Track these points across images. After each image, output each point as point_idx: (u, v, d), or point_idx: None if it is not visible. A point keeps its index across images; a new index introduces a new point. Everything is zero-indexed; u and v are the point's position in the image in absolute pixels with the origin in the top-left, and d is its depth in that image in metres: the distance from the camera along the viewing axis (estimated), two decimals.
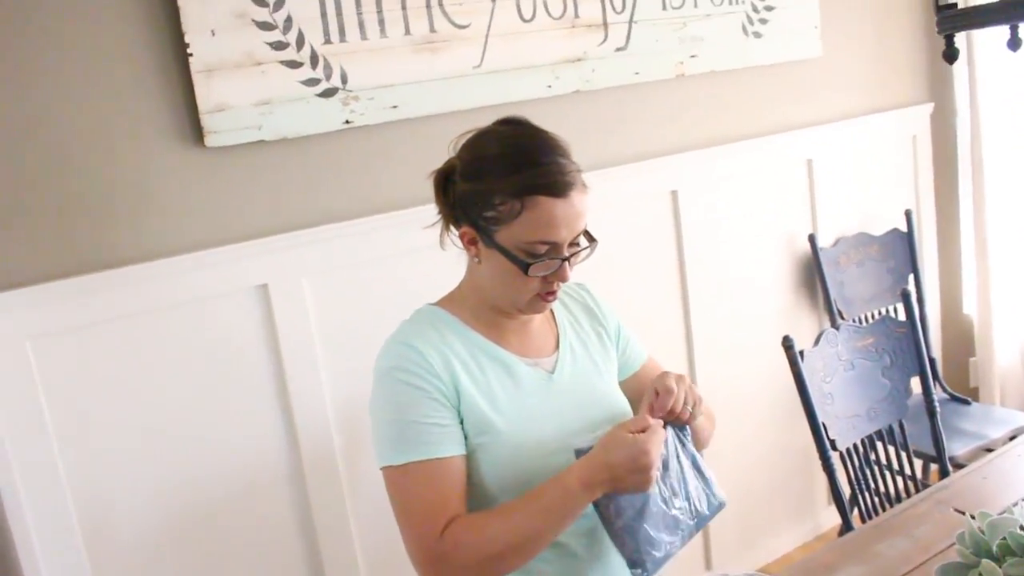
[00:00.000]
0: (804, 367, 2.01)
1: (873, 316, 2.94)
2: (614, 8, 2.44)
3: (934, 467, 2.88)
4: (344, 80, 2.09)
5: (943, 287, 3.41)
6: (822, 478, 2.98)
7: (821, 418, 2.02)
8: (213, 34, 1.92)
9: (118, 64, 1.88)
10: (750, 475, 2.90)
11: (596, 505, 1.34)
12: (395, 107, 2.16)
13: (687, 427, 1.46)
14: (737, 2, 2.66)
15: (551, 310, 1.58)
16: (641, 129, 2.57)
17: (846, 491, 2.10)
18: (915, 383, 2.23)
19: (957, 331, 3.45)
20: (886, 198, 3.16)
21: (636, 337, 1.66)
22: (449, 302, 1.51)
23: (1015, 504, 1.34)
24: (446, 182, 1.45)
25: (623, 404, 1.55)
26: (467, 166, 1.41)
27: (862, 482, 2.13)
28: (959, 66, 3.14)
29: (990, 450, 2.53)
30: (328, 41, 2.06)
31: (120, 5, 1.87)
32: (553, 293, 1.42)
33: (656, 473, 1.31)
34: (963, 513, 1.58)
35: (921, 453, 2.58)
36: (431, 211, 1.51)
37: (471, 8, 2.22)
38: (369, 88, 2.13)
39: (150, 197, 1.94)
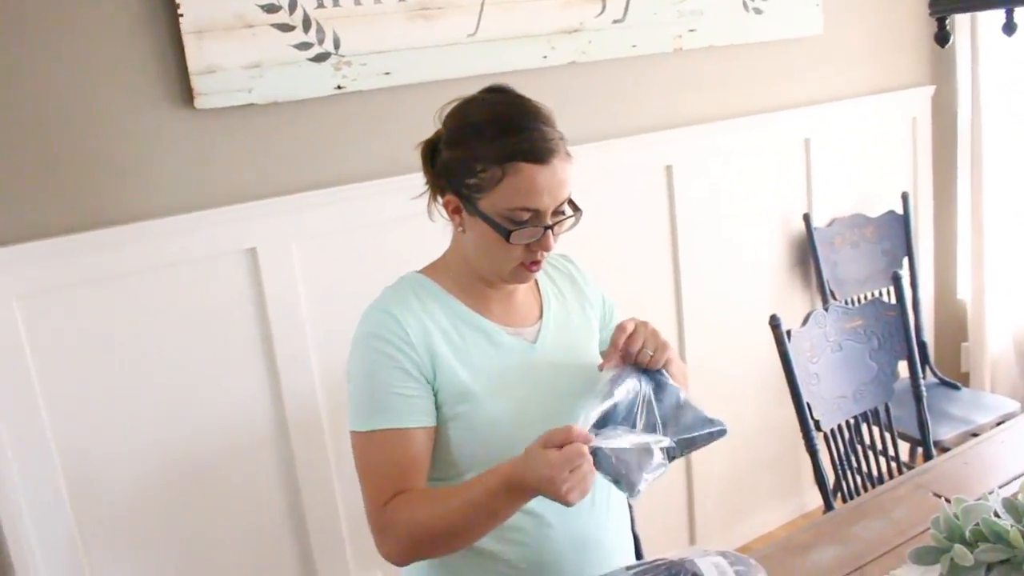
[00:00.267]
0: (791, 347, 2.01)
1: (866, 298, 2.94)
2: None
3: (921, 450, 2.88)
4: (337, 45, 2.07)
5: (937, 271, 3.41)
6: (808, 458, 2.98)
7: (806, 398, 2.02)
8: None
9: (108, 22, 1.86)
10: (736, 452, 2.91)
11: None
12: (388, 73, 2.14)
13: (662, 370, 1.43)
14: None
15: (535, 280, 1.57)
16: (637, 103, 2.55)
17: (829, 471, 2.10)
18: (904, 367, 2.23)
19: (950, 315, 3.45)
20: (883, 180, 3.15)
21: (618, 308, 1.66)
22: (433, 270, 1.50)
23: (991, 492, 1.34)
24: (433, 152, 1.45)
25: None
26: (451, 134, 1.41)
27: (845, 463, 2.13)
28: (962, 49, 3.11)
29: (977, 435, 2.53)
30: (321, 5, 2.04)
31: None
32: (537, 263, 1.41)
33: (573, 495, 1.20)
34: (940, 497, 1.59)
35: (907, 436, 2.59)
36: (422, 179, 1.50)
37: None
38: (362, 54, 2.11)
39: (140, 158, 1.93)
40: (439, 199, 1.46)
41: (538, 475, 1.21)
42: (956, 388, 2.91)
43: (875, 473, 2.21)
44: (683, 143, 2.63)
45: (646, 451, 1.27)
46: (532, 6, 2.30)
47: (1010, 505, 1.26)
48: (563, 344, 1.52)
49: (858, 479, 2.17)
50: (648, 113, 2.57)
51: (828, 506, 2.06)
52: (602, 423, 1.30)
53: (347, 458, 2.19)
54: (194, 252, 2.01)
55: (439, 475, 1.43)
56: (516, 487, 1.25)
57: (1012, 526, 1.21)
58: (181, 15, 1.89)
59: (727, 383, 2.83)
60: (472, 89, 1.47)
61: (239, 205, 2.04)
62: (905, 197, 3.05)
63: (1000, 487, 1.65)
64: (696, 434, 1.39)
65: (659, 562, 1.21)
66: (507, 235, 1.35)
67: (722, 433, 1.43)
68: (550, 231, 1.37)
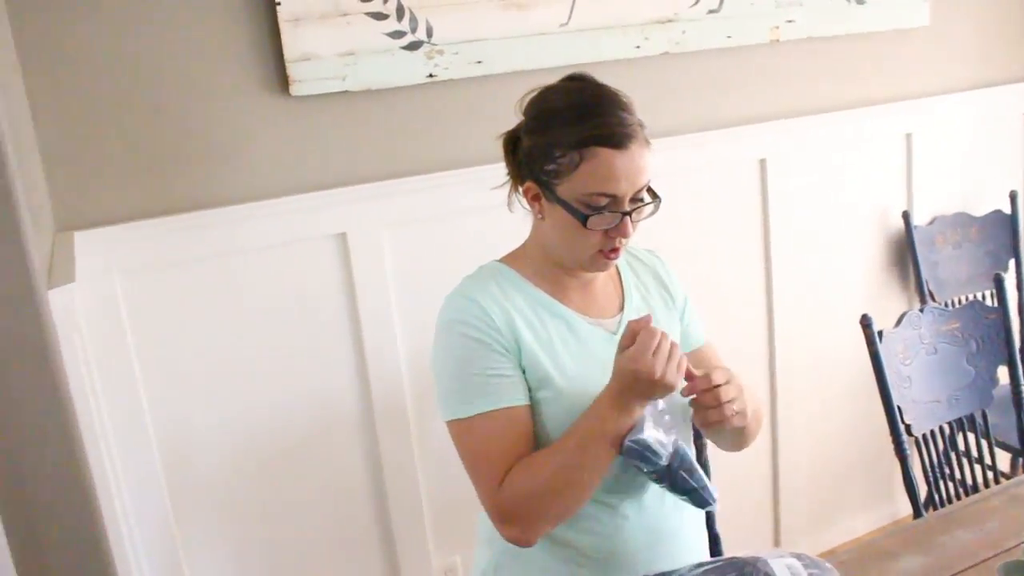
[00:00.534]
0: (882, 348, 1.95)
1: (967, 300, 2.83)
2: None
3: (1023, 461, 2.76)
4: (429, 33, 2.09)
5: None
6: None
7: (897, 401, 1.95)
8: None
9: (210, 12, 1.91)
10: (826, 453, 2.84)
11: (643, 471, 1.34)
12: (479, 62, 2.15)
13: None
14: None
15: (617, 272, 1.56)
16: (731, 95, 2.51)
17: (920, 478, 2.04)
18: (1004, 372, 2.14)
19: None
20: (990, 178, 3.01)
21: (699, 319, 1.63)
22: (513, 259, 1.51)
23: None
24: (514, 144, 1.45)
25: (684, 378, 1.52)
26: (530, 121, 1.42)
27: (937, 470, 2.06)
28: None
29: None
30: None
31: None
32: (615, 251, 1.40)
33: (669, 375, 1.27)
34: None
35: (1006, 445, 2.48)
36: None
37: None
38: (454, 42, 2.12)
39: (236, 143, 1.98)
40: (519, 190, 1.47)
41: (624, 376, 1.27)
42: None
43: (969, 482, 2.13)
44: (778, 136, 2.57)
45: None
46: None
47: None
48: None
49: (951, 487, 2.09)
50: (742, 106, 2.52)
51: (917, 513, 1.99)
52: None
53: (430, 443, 2.25)
54: (286, 236, 2.05)
55: None
56: (610, 403, 1.29)
57: None
58: (279, 4, 1.93)
59: (817, 382, 2.77)
60: None
61: (331, 191, 2.08)
62: (1014, 196, 2.92)
63: None
64: (696, 478, 1.34)
65: (731, 560, 1.19)
66: (584, 220, 1.34)
67: (706, 502, 1.36)
68: (628, 218, 1.36)
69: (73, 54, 1.82)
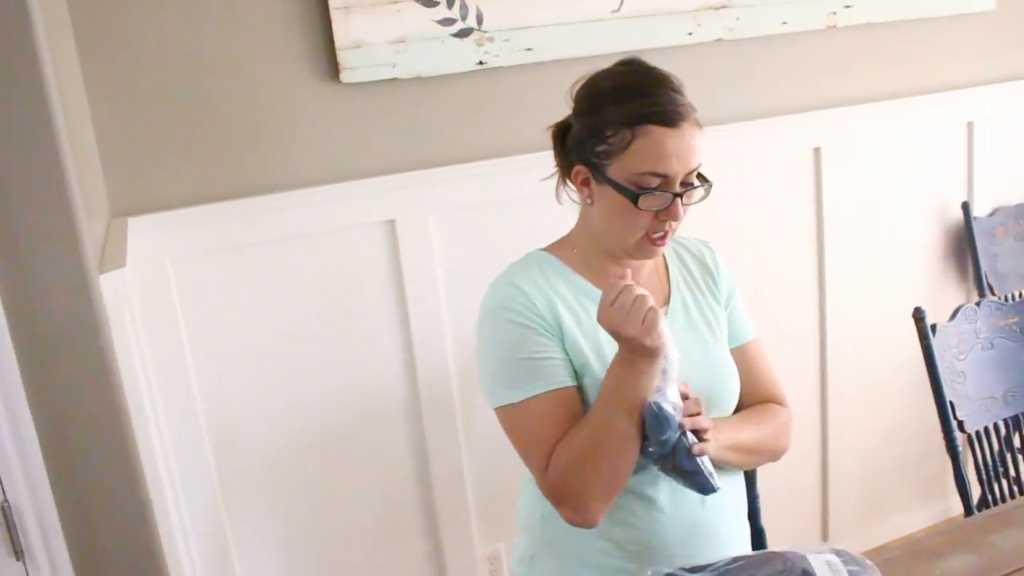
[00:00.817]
0: (935, 342, 1.90)
1: None
2: None
3: None
4: (480, 20, 2.09)
5: None
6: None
7: (949, 396, 1.91)
8: None
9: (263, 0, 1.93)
10: (876, 449, 2.80)
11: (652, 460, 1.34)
12: (530, 50, 2.15)
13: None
14: None
15: (664, 264, 1.55)
16: (786, 82, 2.46)
17: (973, 476, 1.99)
18: None
19: None
20: None
21: (747, 313, 1.60)
22: (558, 247, 1.51)
23: None
24: (563, 135, 1.45)
25: (731, 367, 1.51)
26: (580, 104, 1.42)
27: (990, 468, 2.01)
28: None
29: None
30: None
31: None
32: (664, 236, 1.39)
33: (619, 319, 1.27)
34: None
35: None
36: None
37: None
38: (504, 30, 2.12)
39: (287, 130, 2.01)
40: (567, 182, 1.46)
41: (617, 340, 1.29)
42: None
43: None
44: (833, 125, 2.52)
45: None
46: None
47: None
48: (693, 329, 1.49)
49: (1005, 486, 2.04)
50: (797, 93, 2.48)
51: (969, 512, 1.95)
52: None
53: (475, 430, 2.26)
54: (336, 222, 2.07)
55: None
56: (618, 362, 1.31)
57: None
58: None
59: (871, 375, 2.72)
60: None
61: (380, 177, 2.09)
62: None
63: None
64: (696, 460, 1.33)
65: (769, 554, 1.18)
66: (635, 199, 1.33)
67: (707, 487, 1.34)
68: (678, 200, 1.35)
69: (129, 43, 1.86)
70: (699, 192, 1.38)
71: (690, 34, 2.29)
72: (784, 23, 2.38)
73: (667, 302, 1.51)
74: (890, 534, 2.84)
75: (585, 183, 1.41)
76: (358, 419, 2.18)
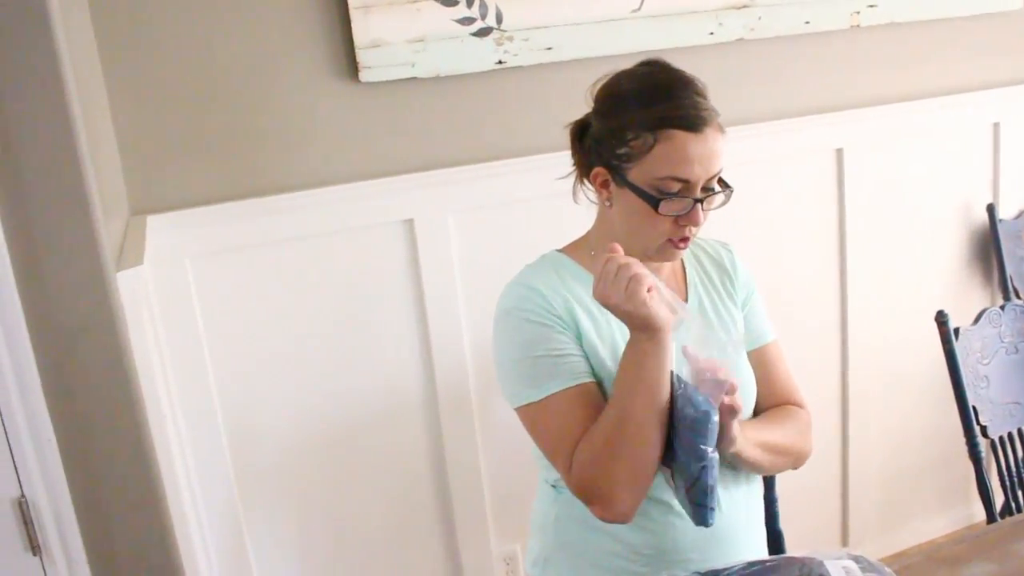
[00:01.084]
0: (958, 346, 1.88)
1: None
2: None
3: None
4: (499, 20, 2.08)
5: None
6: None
7: (972, 401, 1.89)
8: None
9: None
10: (898, 453, 2.77)
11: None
12: (549, 49, 2.14)
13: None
14: None
15: (682, 266, 1.54)
16: (808, 82, 2.44)
17: (995, 481, 1.97)
18: None
19: None
20: None
21: (766, 315, 1.59)
22: (573, 249, 1.50)
23: None
24: (582, 134, 1.44)
25: (747, 370, 1.49)
26: (601, 104, 1.40)
27: (1015, 474, 1.99)
28: None
29: None
30: None
31: None
32: (685, 240, 1.37)
33: (602, 289, 1.26)
34: None
35: None
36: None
37: None
38: (524, 29, 2.11)
39: (306, 129, 2.01)
40: (585, 182, 1.45)
41: (614, 315, 1.27)
42: None
43: None
44: (856, 125, 2.50)
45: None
46: None
47: None
48: (705, 334, 1.48)
49: None
50: (819, 93, 2.46)
51: (991, 518, 1.93)
52: None
53: (493, 430, 2.25)
54: (354, 221, 2.08)
55: None
56: (629, 341, 1.30)
57: None
58: None
59: (892, 379, 2.69)
60: None
61: (399, 177, 2.09)
62: None
63: None
64: (712, 496, 1.29)
65: (785, 559, 1.17)
66: (656, 205, 1.32)
67: (706, 522, 1.30)
68: (699, 205, 1.33)
69: (149, 43, 1.86)
70: (720, 197, 1.37)
71: (711, 33, 2.27)
72: (807, 23, 2.36)
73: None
74: (911, 540, 2.81)
75: (604, 185, 1.40)
76: (375, 418, 2.18)
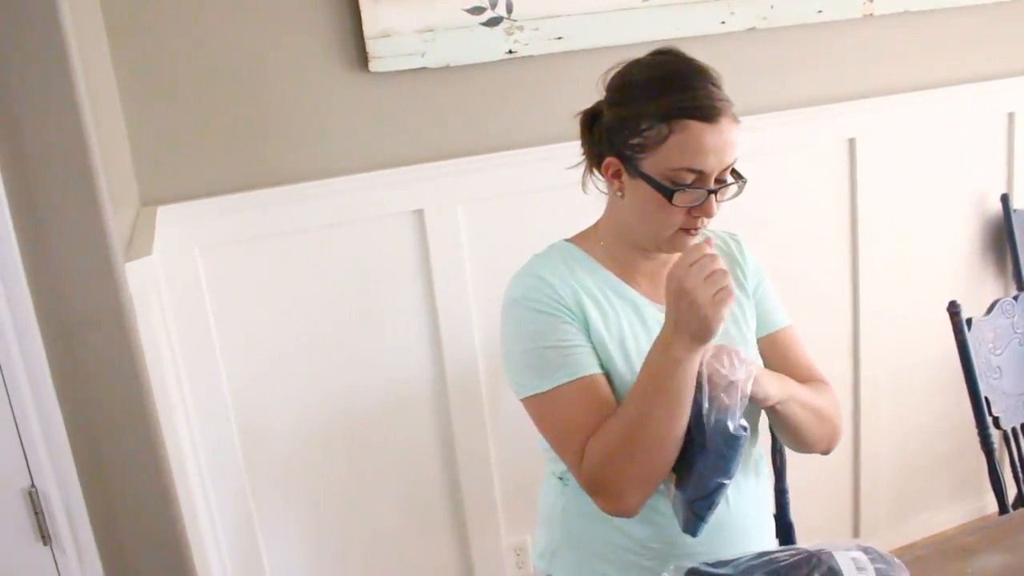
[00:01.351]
0: (971, 336, 1.87)
1: None
2: None
3: None
4: (509, 9, 2.08)
5: None
6: None
7: (984, 392, 1.88)
8: None
9: None
10: (910, 444, 2.75)
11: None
12: (560, 38, 2.13)
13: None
14: None
15: None
16: (820, 72, 2.43)
17: (1009, 473, 1.96)
18: None
19: None
20: None
21: (779, 302, 1.57)
22: (582, 239, 1.49)
23: None
24: (592, 122, 1.42)
25: (756, 359, 1.49)
26: (614, 93, 1.39)
27: None
28: None
29: None
30: None
31: None
32: (698, 230, 1.36)
33: (692, 281, 1.22)
34: None
35: None
36: None
37: None
38: (534, 18, 2.10)
39: (315, 119, 2.01)
40: (595, 172, 1.44)
41: (670, 296, 1.23)
42: None
43: None
44: (868, 115, 2.48)
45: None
46: None
47: None
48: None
49: None
50: (832, 83, 2.44)
51: (1003, 510, 1.92)
52: None
53: (502, 421, 2.25)
54: (364, 212, 2.07)
55: None
56: (667, 334, 1.26)
57: None
58: None
59: (905, 370, 2.67)
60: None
61: (408, 167, 2.09)
62: None
63: None
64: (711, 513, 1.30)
65: (795, 550, 1.16)
66: (670, 196, 1.30)
67: (694, 532, 1.32)
68: (713, 196, 1.32)
69: (158, 33, 1.86)
70: (733, 188, 1.36)
71: (723, 23, 2.26)
72: (819, 12, 2.34)
73: None
74: (923, 531, 2.80)
75: (616, 175, 1.39)
76: (385, 408, 2.18)
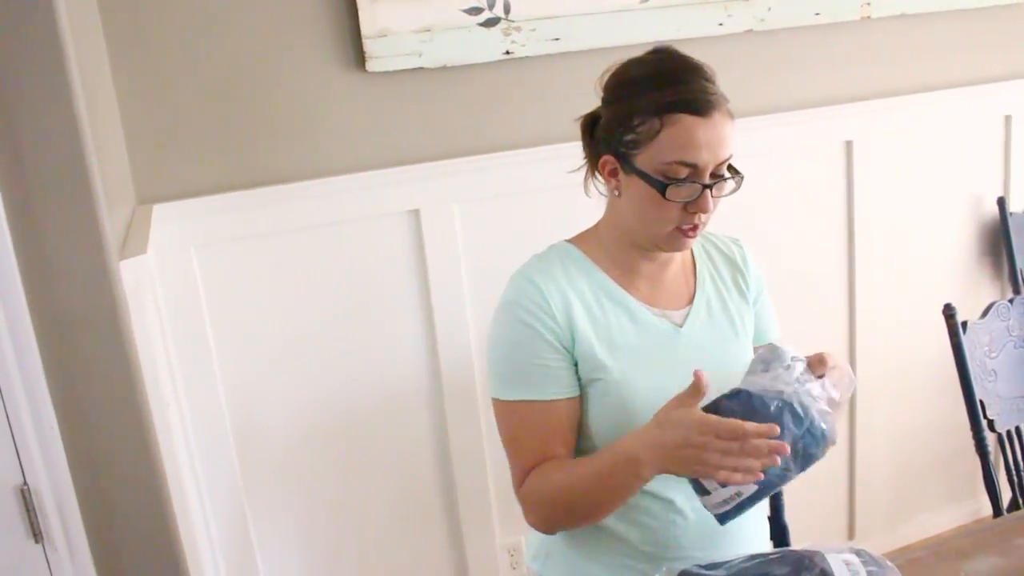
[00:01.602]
0: (966, 339, 1.87)
1: None
2: None
3: None
4: (507, 10, 2.08)
5: None
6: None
7: (979, 395, 1.88)
8: None
9: None
10: (906, 447, 2.76)
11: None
12: (557, 39, 2.13)
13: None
14: None
15: (692, 260, 1.52)
16: (817, 74, 2.43)
17: (1002, 476, 1.96)
18: None
19: None
20: None
21: (773, 312, 1.58)
22: (583, 240, 1.48)
23: None
24: (593, 126, 1.43)
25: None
26: (609, 93, 1.39)
27: (1021, 469, 1.97)
28: None
29: None
30: None
31: None
32: (695, 228, 1.35)
33: (709, 463, 1.16)
34: None
35: None
36: None
37: None
38: (532, 19, 2.10)
39: (312, 118, 2.01)
40: (596, 175, 1.44)
41: (681, 435, 1.17)
42: None
43: None
44: (865, 118, 2.48)
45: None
46: None
47: None
48: (715, 331, 1.47)
49: None
50: (828, 85, 2.44)
51: (998, 513, 1.92)
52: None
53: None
54: (360, 211, 2.07)
55: (577, 444, 1.43)
56: (644, 459, 1.22)
57: None
58: None
59: (901, 372, 2.67)
60: None
61: (405, 167, 2.09)
62: None
63: None
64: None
65: (787, 553, 1.16)
66: (663, 190, 1.30)
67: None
68: (708, 191, 1.31)
69: (155, 31, 1.87)
70: (730, 184, 1.35)
71: (720, 25, 2.26)
72: (816, 14, 2.35)
73: (692, 300, 1.48)
74: (918, 534, 2.80)
75: (613, 173, 1.38)
76: (380, 408, 2.18)
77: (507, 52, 2.10)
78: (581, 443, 1.43)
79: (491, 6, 2.06)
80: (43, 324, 1.24)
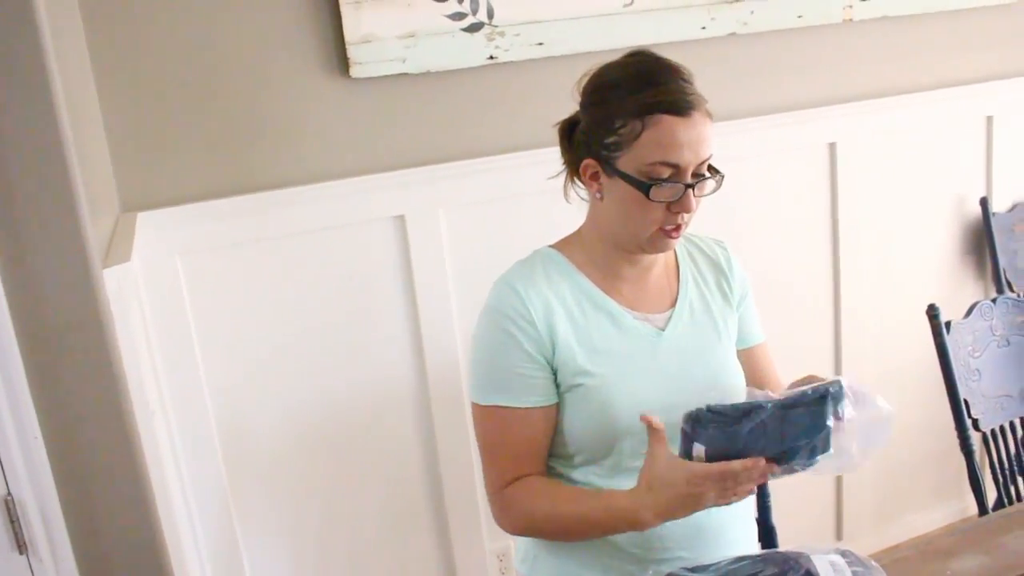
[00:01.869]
0: (950, 339, 1.88)
1: None
2: None
3: None
4: (491, 15, 2.08)
5: None
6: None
7: (963, 394, 1.89)
8: None
9: None
10: (893, 447, 2.70)
11: None
12: (541, 44, 2.14)
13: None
14: None
15: (676, 263, 1.52)
16: (800, 77, 2.44)
17: (987, 474, 1.97)
18: None
19: None
20: None
21: (757, 316, 1.59)
22: (566, 245, 1.49)
23: None
24: (570, 132, 1.43)
25: (736, 371, 1.49)
26: (588, 97, 1.40)
27: (1006, 468, 1.99)
28: None
29: None
30: None
31: None
32: (678, 228, 1.36)
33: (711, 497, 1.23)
34: None
35: None
36: None
37: None
38: (515, 24, 2.10)
39: (295, 125, 2.00)
40: (576, 180, 1.45)
41: (674, 493, 1.24)
42: None
43: None
44: (849, 119, 2.49)
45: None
46: None
47: None
48: (698, 335, 1.47)
49: (1022, 486, 2.02)
50: (812, 88, 2.46)
51: (983, 512, 1.93)
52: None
53: None
54: (345, 217, 2.07)
55: (551, 451, 1.43)
56: (639, 520, 1.29)
57: None
58: None
59: (886, 373, 2.68)
60: None
61: (389, 173, 2.09)
62: None
63: None
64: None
65: (773, 554, 1.17)
66: (647, 191, 1.31)
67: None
68: (691, 191, 1.32)
69: (138, 37, 1.86)
70: (711, 183, 1.36)
71: (703, 28, 2.27)
72: (799, 17, 2.36)
73: (675, 303, 1.48)
74: (905, 534, 2.81)
75: (594, 177, 1.39)
76: (367, 414, 2.18)
77: (491, 57, 2.10)
78: (557, 447, 1.44)
79: (475, 11, 2.07)
80: (26, 332, 1.23)
